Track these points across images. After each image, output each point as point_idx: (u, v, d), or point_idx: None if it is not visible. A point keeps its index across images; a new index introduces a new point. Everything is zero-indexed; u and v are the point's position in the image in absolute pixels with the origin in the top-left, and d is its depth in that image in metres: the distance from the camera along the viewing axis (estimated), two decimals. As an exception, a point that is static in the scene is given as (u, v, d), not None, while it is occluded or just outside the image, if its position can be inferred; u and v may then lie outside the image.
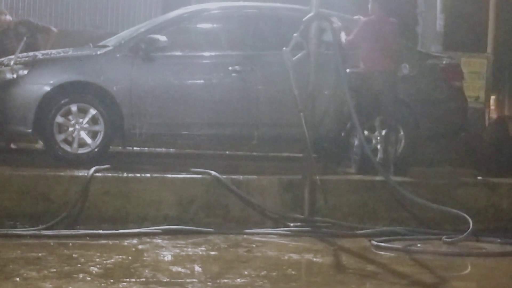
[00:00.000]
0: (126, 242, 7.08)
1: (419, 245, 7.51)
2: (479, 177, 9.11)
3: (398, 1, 13.80)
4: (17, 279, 5.65)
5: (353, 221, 8.09)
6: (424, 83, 9.31)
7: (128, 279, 5.77)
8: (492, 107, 14.27)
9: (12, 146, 10.22)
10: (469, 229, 7.59)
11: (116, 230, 7.43)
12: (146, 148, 10.42)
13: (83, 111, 8.54)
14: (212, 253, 6.85)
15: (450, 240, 7.55)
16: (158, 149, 10.61)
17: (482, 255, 7.35)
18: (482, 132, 11.42)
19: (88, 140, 8.53)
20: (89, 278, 5.75)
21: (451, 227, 8.03)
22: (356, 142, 8.81)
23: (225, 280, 5.89)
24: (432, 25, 12.60)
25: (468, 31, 14.00)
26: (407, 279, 6.25)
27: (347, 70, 8.71)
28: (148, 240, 7.23)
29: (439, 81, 9.40)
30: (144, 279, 5.80)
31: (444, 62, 9.60)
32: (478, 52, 12.94)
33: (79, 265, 6.14)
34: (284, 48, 8.36)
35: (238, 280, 5.93)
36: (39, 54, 8.91)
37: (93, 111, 8.54)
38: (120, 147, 9.39)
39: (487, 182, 8.80)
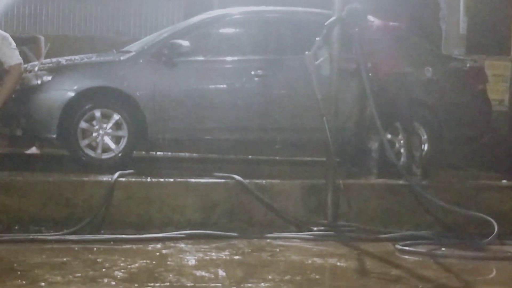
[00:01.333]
0: (150, 247, 7.09)
1: (443, 249, 7.46)
2: (504, 181, 9.04)
3: (420, 5, 13.76)
4: (42, 284, 5.68)
5: (377, 225, 8.05)
6: (448, 87, 9.28)
7: (152, 284, 5.79)
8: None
9: (36, 151, 10.29)
10: (494, 233, 7.55)
11: (140, 234, 7.44)
12: (170, 153, 10.45)
13: (106, 117, 8.58)
14: (236, 257, 6.85)
15: (475, 244, 7.50)
16: (181, 154, 10.64)
17: (507, 259, 7.29)
18: (506, 135, 11.34)
19: (112, 145, 8.57)
20: (113, 283, 5.77)
21: (476, 231, 7.97)
22: (371, 145, 8.78)
23: (249, 285, 5.90)
24: (455, 28, 12.55)
25: (492, 33, 13.89)
26: (432, 283, 6.22)
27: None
28: (172, 244, 7.24)
29: (462, 84, 9.37)
30: (168, 284, 5.81)
31: (467, 65, 9.57)
32: (501, 55, 12.86)
33: (103, 269, 6.16)
34: (306, 52, 8.36)
35: (262, 284, 5.92)
36: (62, 60, 8.97)
37: (116, 117, 8.57)
38: (143, 152, 9.43)
39: (512, 185, 8.75)
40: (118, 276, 5.96)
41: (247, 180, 7.98)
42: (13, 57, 7.48)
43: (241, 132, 8.97)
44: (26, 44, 10.29)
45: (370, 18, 8.86)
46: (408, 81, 8.82)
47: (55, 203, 7.58)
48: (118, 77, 8.68)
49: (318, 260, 6.81)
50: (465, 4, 12.51)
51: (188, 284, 5.82)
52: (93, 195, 7.64)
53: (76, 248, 6.91)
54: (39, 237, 7.24)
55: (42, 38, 10.66)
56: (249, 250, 7.13)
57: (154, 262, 6.48)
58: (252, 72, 8.94)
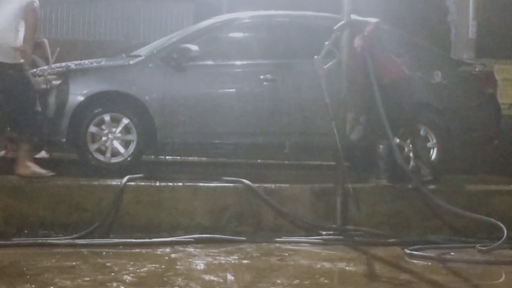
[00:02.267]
0: (159, 251, 7.11)
1: (452, 253, 7.46)
2: (513, 185, 9.03)
3: (429, 9, 13.76)
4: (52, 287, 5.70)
5: (386, 229, 8.05)
6: (457, 91, 9.26)
7: (161, 288, 5.80)
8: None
9: (45, 155, 10.31)
10: (504, 237, 7.53)
11: (149, 238, 7.46)
12: (179, 157, 10.46)
13: (116, 121, 8.60)
14: (245, 261, 6.85)
15: (484, 248, 7.49)
16: (190, 158, 10.65)
17: (517, 263, 7.27)
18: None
19: (121, 150, 8.59)
20: (122, 287, 5.78)
21: (485, 235, 7.97)
22: (381, 149, 8.75)
23: (258, 289, 5.91)
24: (465, 32, 12.53)
25: (501, 37, 13.88)
26: (441, 288, 6.22)
27: None
28: (181, 248, 7.25)
29: (472, 88, 9.34)
30: (177, 288, 5.83)
31: (477, 69, 9.54)
32: (511, 59, 12.84)
33: (112, 273, 6.18)
34: (315, 57, 8.37)
35: (271, 288, 5.93)
36: (72, 64, 8.99)
37: (125, 121, 8.59)
38: (152, 156, 9.44)
39: (521, 190, 8.72)
40: (127, 280, 5.97)
41: (256, 184, 7.99)
42: None
43: (250, 136, 8.97)
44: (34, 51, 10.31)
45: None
46: (409, 84, 8.76)
47: (64, 207, 7.60)
48: (128, 82, 8.69)
49: (327, 265, 6.81)
50: (474, 8, 12.49)
51: (197, 288, 5.84)
52: (102, 199, 7.66)
53: (85, 252, 6.92)
54: (49, 241, 7.26)
55: (45, 40, 10.67)
56: (258, 254, 7.13)
57: (163, 266, 6.49)
58: (261, 77, 8.95)
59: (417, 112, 8.94)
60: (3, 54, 7.84)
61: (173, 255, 6.97)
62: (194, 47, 8.75)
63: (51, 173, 7.93)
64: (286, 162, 10.44)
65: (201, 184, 7.99)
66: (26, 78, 8.02)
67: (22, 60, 7.91)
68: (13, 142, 9.76)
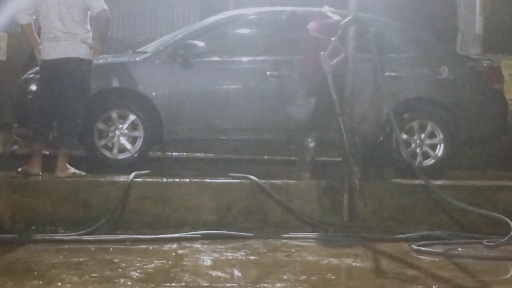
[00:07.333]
0: (166, 247, 7.11)
1: (459, 249, 7.44)
2: (520, 181, 9.01)
3: (437, 5, 13.73)
4: (59, 284, 5.70)
5: (392, 225, 8.05)
6: (464, 86, 9.25)
7: (168, 284, 5.80)
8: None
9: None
10: (511, 233, 7.52)
11: (156, 235, 7.47)
12: (185, 153, 10.47)
13: (123, 117, 8.62)
14: (252, 257, 6.86)
15: (491, 244, 7.47)
16: (197, 154, 10.66)
17: (524, 259, 7.26)
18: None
19: (128, 146, 8.61)
20: (130, 283, 5.79)
21: (492, 231, 7.94)
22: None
23: (265, 285, 5.90)
24: (472, 28, 12.50)
25: (508, 33, 13.85)
26: (448, 284, 6.20)
27: None
28: (187, 245, 7.25)
29: (478, 84, 9.33)
30: (184, 284, 5.82)
31: (484, 64, 9.53)
32: (518, 54, 12.82)
33: (119, 269, 6.18)
34: (322, 53, 8.36)
35: (278, 284, 5.93)
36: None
37: (132, 117, 8.61)
38: (159, 153, 9.46)
39: (529, 185, 8.70)
40: (134, 276, 5.98)
41: (263, 180, 7.99)
42: (96, 6, 7.88)
43: (256, 133, 8.97)
44: None
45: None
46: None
47: (71, 203, 7.62)
48: (134, 78, 8.71)
49: (334, 260, 6.81)
50: (481, 4, 12.46)
51: (204, 284, 5.83)
52: (109, 195, 7.67)
53: (93, 248, 6.93)
54: (56, 237, 7.28)
55: None
56: (265, 250, 7.14)
57: (170, 262, 6.50)
58: (268, 73, 8.95)
59: (421, 108, 8.94)
60: (80, 49, 7.91)
61: (180, 251, 6.98)
62: (201, 44, 8.76)
63: (83, 173, 7.97)
64: (293, 158, 10.44)
65: (208, 180, 8.00)
66: (90, 78, 8.07)
67: (94, 58, 8.04)
68: (22, 138, 9.78)
